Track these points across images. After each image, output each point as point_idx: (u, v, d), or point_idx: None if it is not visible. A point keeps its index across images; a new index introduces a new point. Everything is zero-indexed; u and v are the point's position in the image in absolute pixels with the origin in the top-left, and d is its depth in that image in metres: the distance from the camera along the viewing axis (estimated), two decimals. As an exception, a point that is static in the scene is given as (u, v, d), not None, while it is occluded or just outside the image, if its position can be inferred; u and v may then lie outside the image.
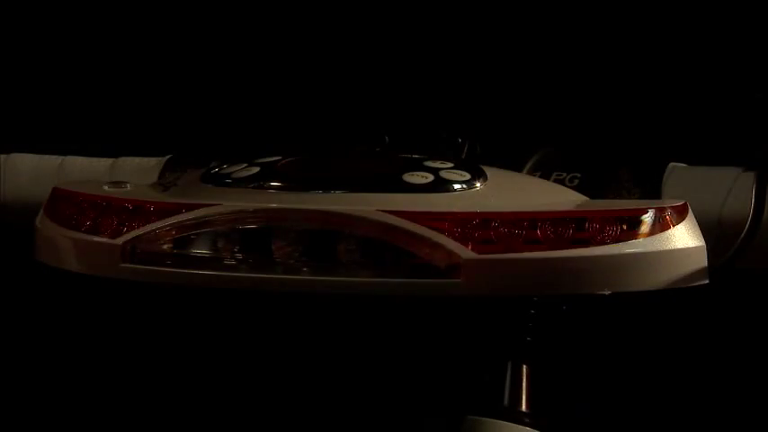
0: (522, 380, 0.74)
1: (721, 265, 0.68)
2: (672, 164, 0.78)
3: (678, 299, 0.67)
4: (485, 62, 1.11)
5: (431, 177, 0.69)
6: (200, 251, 0.69)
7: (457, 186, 0.69)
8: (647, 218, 0.66)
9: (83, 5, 1.19)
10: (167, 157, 0.90)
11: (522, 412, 0.73)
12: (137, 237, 0.69)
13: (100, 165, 0.92)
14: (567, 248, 0.65)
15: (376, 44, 1.13)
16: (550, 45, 1.10)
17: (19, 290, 1.15)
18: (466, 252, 0.65)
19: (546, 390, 0.75)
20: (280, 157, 0.74)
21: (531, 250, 0.65)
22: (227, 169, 0.73)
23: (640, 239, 0.66)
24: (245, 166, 0.73)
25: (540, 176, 0.80)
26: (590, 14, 1.08)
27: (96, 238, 0.71)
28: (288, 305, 0.75)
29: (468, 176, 0.70)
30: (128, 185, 0.75)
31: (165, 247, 0.69)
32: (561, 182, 0.79)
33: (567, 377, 0.90)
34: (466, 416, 0.72)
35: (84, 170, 0.91)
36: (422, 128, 0.88)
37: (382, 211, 0.66)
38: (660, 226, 0.66)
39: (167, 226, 0.69)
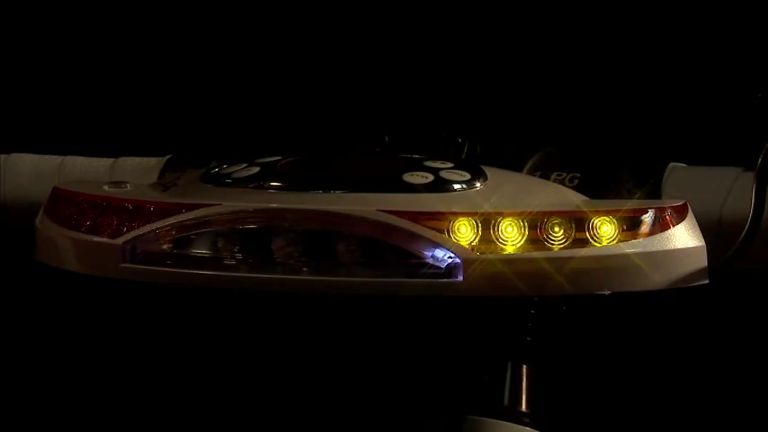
0: (522, 380, 0.74)
1: (721, 265, 0.68)
2: (672, 164, 0.78)
3: (678, 299, 0.67)
4: (484, 62, 1.11)
5: (431, 177, 0.69)
6: (200, 251, 0.69)
7: (457, 186, 0.69)
8: (647, 218, 0.66)
9: (83, 5, 1.19)
10: (167, 157, 0.90)
11: (522, 412, 0.73)
12: (137, 237, 0.69)
13: (100, 165, 0.92)
14: (567, 248, 0.65)
15: (376, 45, 1.13)
16: (550, 45, 1.10)
17: (19, 290, 1.15)
18: (466, 252, 0.65)
19: (546, 390, 0.75)
20: (280, 157, 0.74)
21: (531, 250, 0.65)
22: (227, 169, 0.73)
23: (640, 239, 0.66)
24: (245, 166, 0.73)
25: (540, 176, 0.80)
26: (590, 14, 1.08)
27: (96, 238, 0.71)
28: (288, 305, 0.75)
29: (468, 176, 0.70)
30: (128, 185, 0.75)
31: (165, 247, 0.69)
32: (561, 182, 0.79)
33: (567, 377, 0.90)
34: (466, 416, 0.72)
35: (84, 170, 0.91)
36: (422, 128, 0.88)
37: (382, 211, 0.66)
38: (660, 226, 0.66)
39: (167, 226, 0.69)
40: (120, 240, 0.70)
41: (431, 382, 0.77)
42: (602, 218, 0.66)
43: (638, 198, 0.76)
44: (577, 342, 0.90)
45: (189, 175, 0.78)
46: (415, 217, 0.66)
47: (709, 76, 1.03)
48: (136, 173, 0.89)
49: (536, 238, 0.66)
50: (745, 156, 0.73)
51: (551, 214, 0.66)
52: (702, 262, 0.67)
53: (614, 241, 0.66)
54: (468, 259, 0.65)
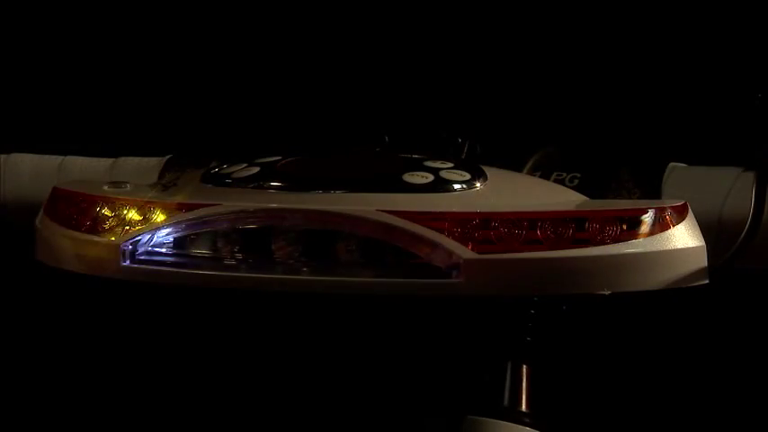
0: (522, 380, 0.74)
1: (721, 265, 0.68)
2: (672, 164, 0.78)
3: (678, 299, 0.67)
4: (485, 62, 1.11)
5: (431, 177, 0.69)
6: (201, 251, 0.69)
7: (457, 186, 0.69)
8: (647, 218, 0.66)
9: (83, 5, 1.19)
10: (167, 157, 0.90)
11: (522, 412, 0.73)
12: (137, 237, 0.69)
13: (100, 165, 0.92)
14: (567, 248, 0.65)
15: (376, 44, 1.13)
16: (550, 45, 1.10)
17: (19, 290, 1.15)
18: (466, 252, 0.65)
19: (546, 390, 0.75)
20: (280, 157, 0.74)
21: (531, 250, 0.65)
22: (227, 169, 0.73)
23: (640, 239, 0.66)
24: (245, 166, 0.73)
25: (540, 176, 0.80)
26: (590, 14, 1.08)
27: (96, 238, 0.71)
28: (288, 305, 0.75)
29: (468, 176, 0.70)
30: (128, 185, 0.75)
31: (165, 247, 0.69)
32: (561, 182, 0.79)
33: (567, 377, 0.90)
34: (466, 416, 0.72)
35: (84, 170, 0.91)
36: (422, 128, 0.88)
37: (382, 211, 0.66)
38: (660, 226, 0.66)
39: (167, 226, 0.69)
40: (119, 240, 0.70)
41: (431, 382, 0.77)
42: (602, 218, 0.66)
43: (638, 198, 0.76)
44: (577, 342, 0.90)
45: (189, 175, 0.78)
46: (415, 217, 0.66)
47: (709, 76, 1.03)
48: (136, 173, 0.89)
49: (536, 238, 0.66)
50: (745, 156, 0.73)
51: (551, 214, 0.66)
52: (702, 262, 0.67)
53: (614, 241, 0.66)
54: (468, 259, 0.65)
